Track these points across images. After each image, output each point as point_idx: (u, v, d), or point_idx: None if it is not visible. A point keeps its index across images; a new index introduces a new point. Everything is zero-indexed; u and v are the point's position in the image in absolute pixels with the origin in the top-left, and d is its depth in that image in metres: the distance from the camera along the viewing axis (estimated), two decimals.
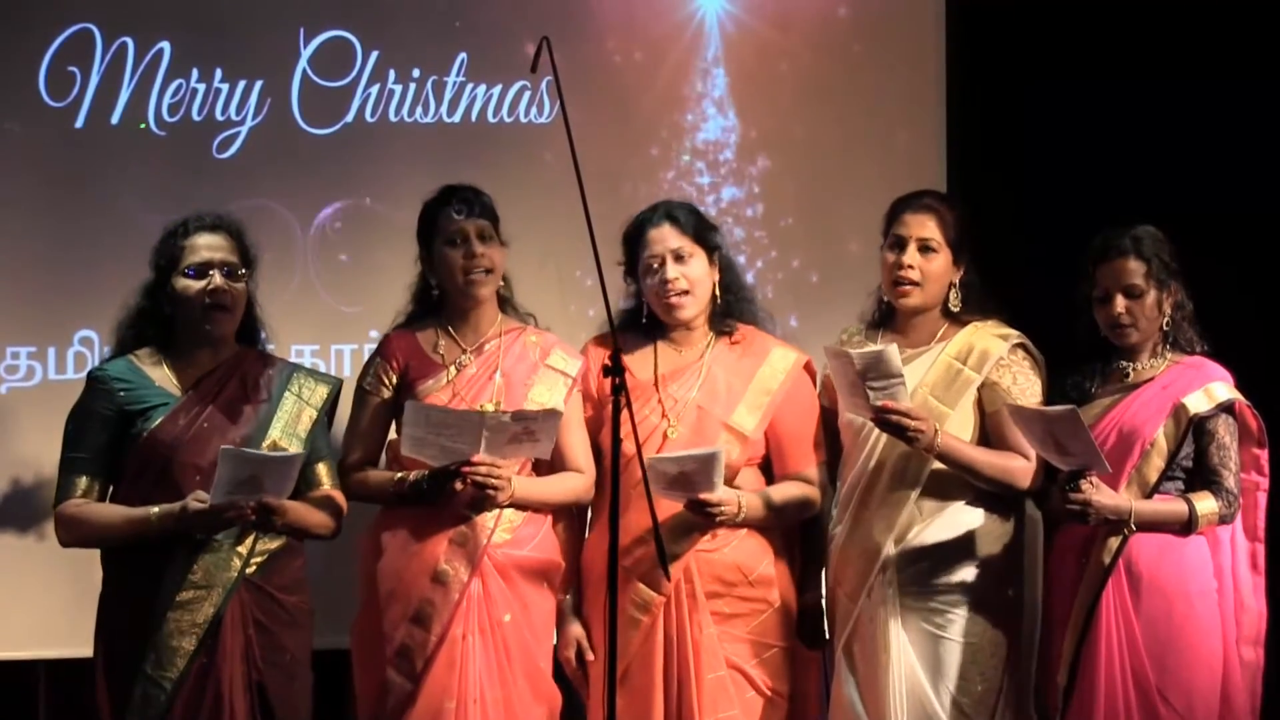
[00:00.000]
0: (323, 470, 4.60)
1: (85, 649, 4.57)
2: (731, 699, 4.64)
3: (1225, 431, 4.57)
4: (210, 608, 4.38)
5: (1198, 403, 4.56)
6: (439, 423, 4.46)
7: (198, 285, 4.47)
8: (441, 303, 4.75)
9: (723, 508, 4.57)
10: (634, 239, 4.79)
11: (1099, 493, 4.47)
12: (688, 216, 4.78)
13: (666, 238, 4.74)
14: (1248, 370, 4.68)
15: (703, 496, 4.54)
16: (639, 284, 4.81)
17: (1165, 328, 4.65)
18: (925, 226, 4.68)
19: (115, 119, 5.48)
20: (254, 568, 4.44)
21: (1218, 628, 4.56)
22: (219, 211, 4.59)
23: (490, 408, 4.60)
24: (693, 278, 4.73)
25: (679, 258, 4.72)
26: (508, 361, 4.71)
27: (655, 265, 4.73)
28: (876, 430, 4.61)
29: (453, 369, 4.70)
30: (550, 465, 4.72)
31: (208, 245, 4.49)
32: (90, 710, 4.46)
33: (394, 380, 4.71)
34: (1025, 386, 4.66)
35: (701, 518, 4.59)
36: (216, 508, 4.29)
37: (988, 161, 5.79)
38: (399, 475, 4.62)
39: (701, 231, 4.77)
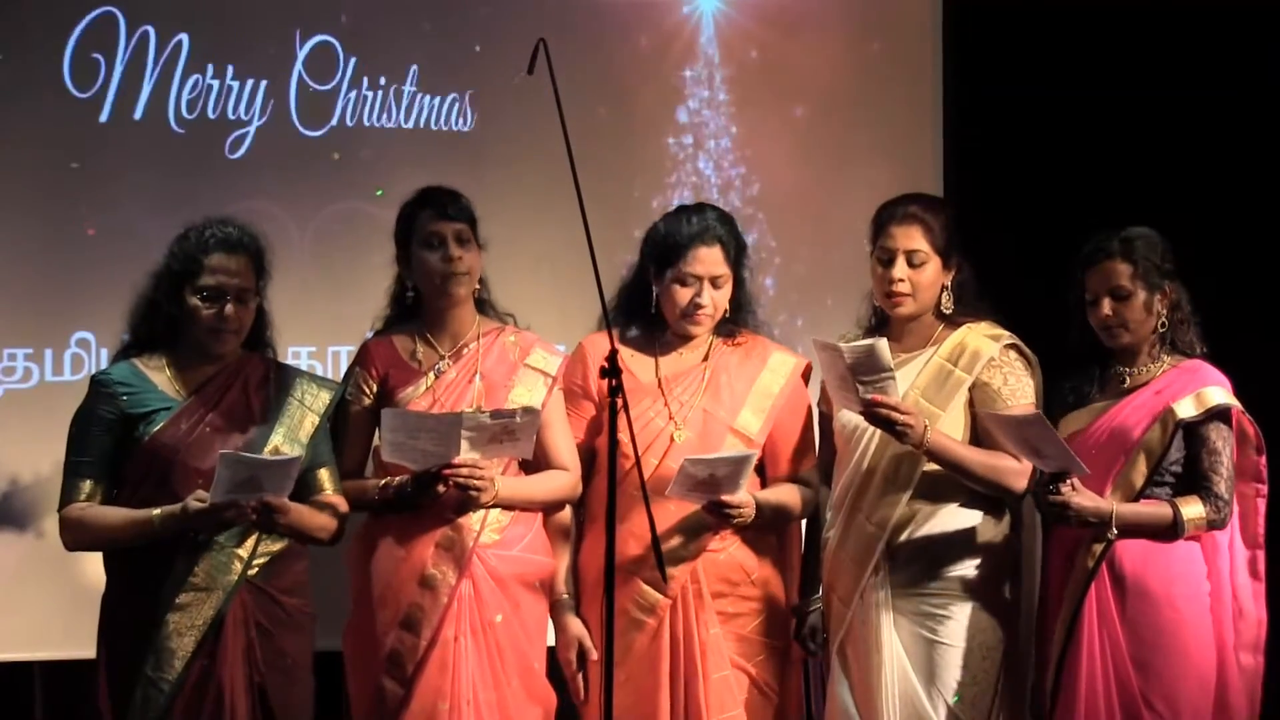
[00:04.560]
0: (324, 475, 4.58)
1: (81, 651, 4.57)
2: (736, 698, 4.66)
3: (1217, 437, 4.55)
4: (210, 609, 4.37)
5: (1186, 408, 4.54)
6: (417, 427, 4.45)
7: (208, 310, 4.44)
8: (418, 306, 4.73)
9: (742, 509, 4.58)
10: (674, 241, 4.70)
11: (1078, 495, 4.46)
12: (730, 239, 4.72)
13: (712, 262, 4.69)
14: (1246, 375, 4.68)
15: (725, 498, 4.55)
16: (655, 274, 4.74)
17: (1161, 329, 4.64)
18: (912, 238, 4.65)
19: (137, 114, 5.43)
20: (255, 570, 4.43)
21: (1209, 633, 4.55)
22: (239, 223, 4.54)
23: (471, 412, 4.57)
24: (720, 303, 4.72)
25: (716, 284, 4.70)
26: (487, 363, 4.70)
27: (691, 284, 4.68)
28: (869, 433, 4.62)
29: (431, 375, 4.68)
30: (535, 465, 4.71)
31: (224, 268, 4.44)
32: (87, 713, 4.45)
33: (374, 388, 4.69)
34: (1016, 387, 4.64)
35: (718, 519, 4.60)
36: (216, 506, 4.27)
37: (985, 162, 5.80)
38: (383, 481, 4.62)
39: (739, 258, 4.75)
